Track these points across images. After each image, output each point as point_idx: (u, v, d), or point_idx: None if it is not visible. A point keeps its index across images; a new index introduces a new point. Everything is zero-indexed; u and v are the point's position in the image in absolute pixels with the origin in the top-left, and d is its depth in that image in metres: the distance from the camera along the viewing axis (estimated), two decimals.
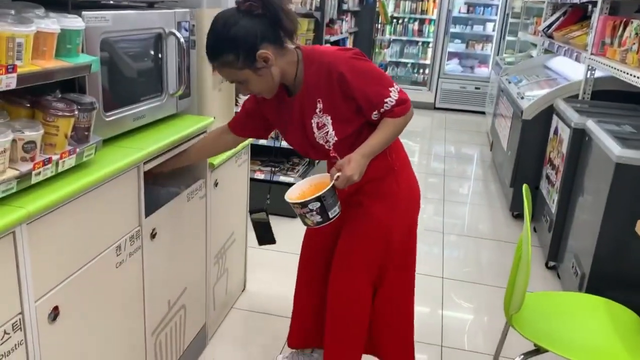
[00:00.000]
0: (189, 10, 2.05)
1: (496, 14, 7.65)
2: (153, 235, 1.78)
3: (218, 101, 2.43)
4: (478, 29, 7.85)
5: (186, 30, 2.03)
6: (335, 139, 1.71)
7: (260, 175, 3.72)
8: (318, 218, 1.58)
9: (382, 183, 1.81)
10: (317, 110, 1.69)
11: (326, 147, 1.74)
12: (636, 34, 2.82)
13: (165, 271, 1.91)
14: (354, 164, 1.60)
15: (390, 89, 1.66)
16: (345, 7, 5.37)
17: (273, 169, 3.83)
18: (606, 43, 3.32)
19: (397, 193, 1.83)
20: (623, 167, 2.35)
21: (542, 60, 5.24)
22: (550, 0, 5.14)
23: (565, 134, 3.21)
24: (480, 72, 7.92)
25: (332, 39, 4.60)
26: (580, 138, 3.00)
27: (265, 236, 2.15)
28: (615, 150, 2.38)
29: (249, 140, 2.62)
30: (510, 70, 5.28)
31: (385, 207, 1.82)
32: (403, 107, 1.68)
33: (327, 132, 1.71)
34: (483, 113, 7.44)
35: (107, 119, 1.64)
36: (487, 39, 7.88)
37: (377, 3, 6.16)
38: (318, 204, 1.56)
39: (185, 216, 2.02)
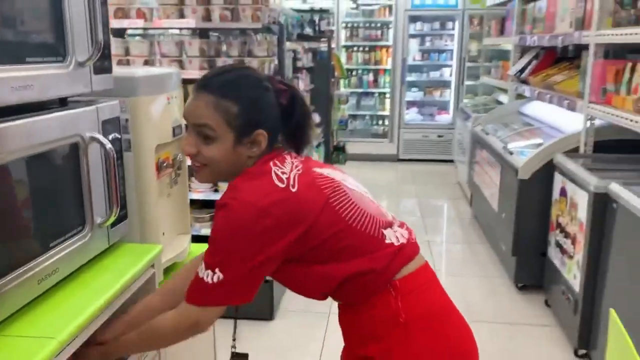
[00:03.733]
0: (117, 101, 1.47)
1: (452, 59, 7.41)
2: None
3: (167, 210, 1.83)
4: (435, 75, 7.56)
5: (116, 130, 1.45)
6: None
7: None
8: None
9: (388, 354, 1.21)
10: None
11: None
12: None
13: None
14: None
15: (214, 270, 1.16)
16: (299, 64, 4.92)
17: None
18: (608, 90, 2.94)
19: None
20: None
21: (516, 106, 4.90)
22: (517, 44, 4.84)
23: (580, 197, 2.76)
24: (441, 119, 7.60)
25: None
26: (604, 205, 2.55)
27: None
28: None
29: None
30: (484, 119, 4.91)
31: None
32: (201, 296, 1.19)
33: None
34: (449, 161, 7.08)
35: None
36: (444, 84, 7.60)
37: (332, 57, 5.75)
38: None
39: None
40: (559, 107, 3.61)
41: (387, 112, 7.61)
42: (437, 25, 7.37)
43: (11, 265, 1.08)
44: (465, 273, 3.98)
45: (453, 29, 7.30)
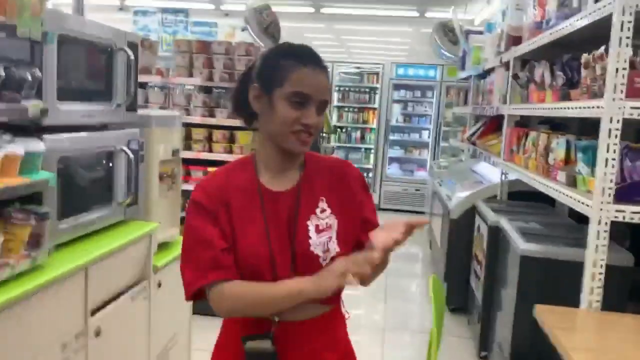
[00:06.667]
0: (138, 129, 2.33)
1: (430, 123, 8.36)
2: (97, 333, 1.92)
3: (164, 207, 2.65)
4: (415, 136, 8.51)
5: (135, 147, 2.30)
6: (338, 250, 1.30)
7: None
8: None
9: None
10: (318, 210, 1.33)
11: (320, 261, 1.29)
12: (532, 144, 3.28)
13: None
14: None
15: None
16: None
17: None
18: (514, 151, 3.79)
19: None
20: (527, 259, 2.66)
21: (470, 164, 5.75)
22: (472, 113, 5.75)
23: (484, 231, 3.56)
24: (419, 175, 8.47)
25: None
26: (496, 234, 3.34)
27: None
28: (520, 244, 2.71)
29: None
30: (443, 174, 5.76)
31: None
32: None
33: (331, 238, 1.30)
34: (423, 213, 7.88)
35: (61, 226, 1.84)
36: (423, 145, 8.53)
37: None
38: None
39: (128, 316, 2.16)
40: (489, 164, 4.46)
41: (371, 166, 8.51)
42: (418, 93, 8.38)
43: (71, 214, 1.91)
44: (415, 300, 4.74)
45: (432, 97, 8.29)
